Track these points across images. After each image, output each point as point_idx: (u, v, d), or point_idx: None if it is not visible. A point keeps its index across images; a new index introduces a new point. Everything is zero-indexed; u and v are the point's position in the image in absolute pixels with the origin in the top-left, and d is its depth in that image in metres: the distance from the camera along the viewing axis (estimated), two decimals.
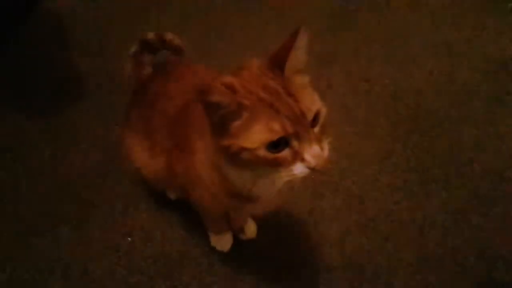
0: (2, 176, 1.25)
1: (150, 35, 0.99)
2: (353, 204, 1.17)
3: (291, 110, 0.57)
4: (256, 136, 0.58)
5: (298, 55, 0.61)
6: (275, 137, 0.57)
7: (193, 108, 0.76)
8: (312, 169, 0.59)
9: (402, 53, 1.50)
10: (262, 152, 0.58)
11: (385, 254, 1.09)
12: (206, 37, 1.54)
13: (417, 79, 1.43)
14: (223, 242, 1.09)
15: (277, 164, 0.60)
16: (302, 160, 0.59)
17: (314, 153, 0.59)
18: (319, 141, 0.60)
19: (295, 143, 0.58)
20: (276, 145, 0.58)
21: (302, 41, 0.60)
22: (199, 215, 1.00)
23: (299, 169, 0.60)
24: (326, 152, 0.61)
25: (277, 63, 0.61)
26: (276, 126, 0.57)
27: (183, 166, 0.81)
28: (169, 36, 0.98)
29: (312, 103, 0.60)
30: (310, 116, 0.59)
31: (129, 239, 1.12)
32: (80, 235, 1.13)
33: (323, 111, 0.62)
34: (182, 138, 0.80)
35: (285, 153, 0.59)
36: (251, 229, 1.11)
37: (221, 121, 0.59)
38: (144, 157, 0.95)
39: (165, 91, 0.90)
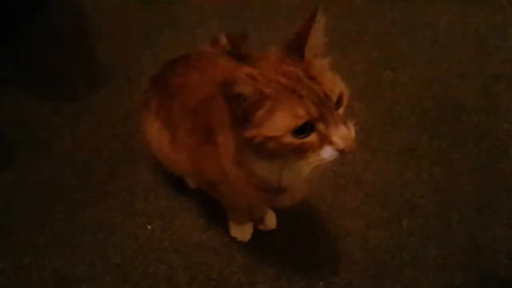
0: (22, 162, 1.25)
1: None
2: (376, 197, 1.14)
3: (314, 93, 0.56)
4: (280, 123, 0.56)
5: (317, 38, 0.59)
6: (300, 122, 0.55)
7: (215, 103, 0.74)
8: (341, 151, 0.57)
9: (429, 41, 1.44)
10: (288, 139, 0.57)
11: (409, 250, 1.06)
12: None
13: (444, 68, 1.38)
14: (243, 233, 1.07)
15: (304, 150, 0.58)
16: (330, 143, 0.57)
17: (342, 134, 0.57)
18: (344, 122, 0.58)
19: (321, 127, 0.57)
20: (302, 130, 0.56)
21: (320, 23, 0.58)
22: (221, 206, 0.99)
23: (328, 152, 0.58)
24: (353, 133, 0.59)
25: (296, 48, 0.59)
26: (300, 111, 0.55)
27: (209, 163, 0.79)
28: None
29: (335, 84, 0.59)
30: (334, 98, 0.57)
31: (149, 227, 1.12)
32: (99, 222, 1.13)
33: (346, 92, 0.60)
34: (205, 134, 0.78)
35: (312, 137, 0.57)
36: (271, 220, 1.09)
37: (244, 113, 0.58)
38: (165, 147, 0.93)
39: (188, 84, 0.88)
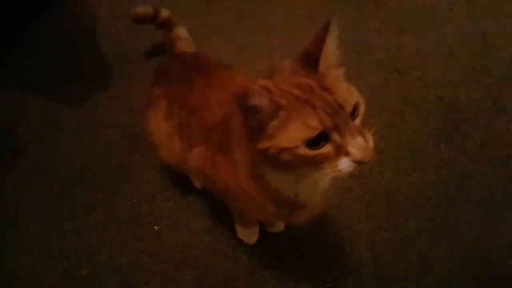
0: (30, 161, 1.26)
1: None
2: (382, 199, 1.14)
3: (327, 103, 0.56)
4: (294, 134, 0.56)
5: (331, 50, 0.59)
6: (314, 133, 0.55)
7: (232, 120, 0.73)
8: (359, 162, 0.56)
9: (435, 43, 1.44)
10: (302, 150, 0.56)
11: (416, 252, 1.05)
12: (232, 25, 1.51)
13: (450, 70, 1.38)
14: (250, 235, 1.07)
15: (320, 161, 0.57)
16: (347, 153, 0.56)
17: (359, 144, 0.56)
18: (361, 133, 0.58)
19: (336, 137, 0.56)
20: (316, 141, 0.56)
21: (333, 34, 0.58)
22: (228, 208, 0.99)
23: (344, 164, 0.57)
24: (371, 143, 0.58)
25: (309, 60, 0.59)
26: (314, 122, 0.55)
27: (225, 177, 0.78)
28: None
29: (349, 94, 0.58)
30: (348, 108, 0.57)
31: (155, 227, 1.12)
32: (106, 223, 1.14)
33: (362, 102, 0.60)
34: (223, 148, 0.77)
35: (327, 148, 0.57)
36: (279, 223, 1.09)
37: (258, 124, 0.58)
38: (175, 154, 0.93)
39: (205, 99, 0.87)
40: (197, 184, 1.14)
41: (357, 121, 0.59)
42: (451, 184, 1.15)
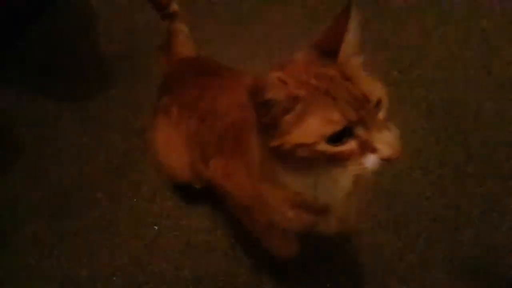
0: (30, 160, 1.26)
1: None
2: (382, 199, 1.13)
3: (351, 94, 0.50)
4: (312, 129, 0.50)
5: (353, 35, 0.53)
6: (336, 128, 0.49)
7: (244, 120, 0.68)
8: (386, 159, 0.51)
9: (435, 42, 1.44)
10: (322, 147, 0.50)
11: (416, 252, 1.05)
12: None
13: (451, 70, 1.37)
14: (286, 246, 0.93)
15: (341, 159, 0.52)
16: (373, 150, 0.51)
17: (386, 140, 0.51)
18: (387, 127, 0.52)
19: (361, 132, 0.51)
20: (338, 137, 0.50)
21: (355, 20, 0.53)
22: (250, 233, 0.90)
23: (370, 161, 0.52)
24: (398, 139, 0.53)
25: (327, 48, 0.53)
26: (336, 116, 0.49)
27: (240, 187, 0.73)
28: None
29: (374, 85, 0.53)
30: (374, 100, 0.51)
31: (156, 227, 1.12)
32: (106, 223, 1.13)
33: (385, 93, 0.54)
34: (238, 155, 0.72)
35: (351, 145, 0.51)
36: (293, 243, 1.04)
37: (272, 120, 0.52)
38: (183, 164, 0.91)
39: (217, 105, 0.82)
40: (197, 184, 1.14)
41: (381, 114, 0.53)
42: (451, 184, 1.15)
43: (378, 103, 0.53)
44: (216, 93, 0.84)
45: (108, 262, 1.08)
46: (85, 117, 1.33)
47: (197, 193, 1.14)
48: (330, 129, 0.50)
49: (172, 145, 0.92)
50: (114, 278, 1.06)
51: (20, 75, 1.46)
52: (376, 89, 0.52)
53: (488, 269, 1.02)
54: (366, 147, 0.51)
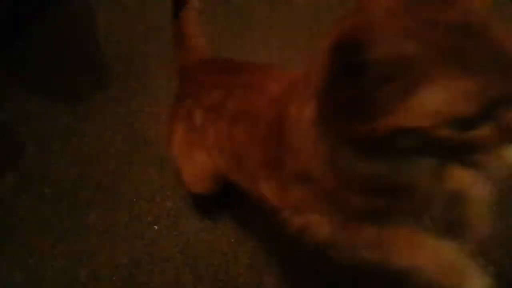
0: (30, 161, 1.26)
1: None
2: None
3: (491, 55, 0.33)
4: (431, 106, 0.34)
5: None
6: (471, 106, 0.34)
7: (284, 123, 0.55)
8: None
9: None
10: (444, 132, 0.35)
11: None
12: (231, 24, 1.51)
13: None
14: None
15: (468, 151, 0.38)
16: None
17: None
18: None
19: (505, 114, 0.35)
20: (470, 119, 0.35)
21: None
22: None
23: None
24: None
25: None
26: (471, 86, 0.33)
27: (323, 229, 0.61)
28: None
29: None
30: None
31: (155, 227, 1.12)
32: (106, 222, 1.14)
33: None
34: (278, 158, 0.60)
35: (486, 130, 0.35)
36: None
37: (362, 94, 0.36)
38: (204, 171, 0.86)
39: (248, 106, 0.71)
40: (215, 190, 1.11)
41: None
42: None
43: None
44: (245, 91, 0.74)
45: (108, 262, 1.08)
46: (85, 117, 1.33)
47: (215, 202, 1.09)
48: (461, 108, 0.34)
49: (193, 151, 0.85)
50: (114, 278, 1.06)
51: (20, 75, 1.46)
52: None
53: (500, 263, 1.02)
54: (508, 134, 0.36)
